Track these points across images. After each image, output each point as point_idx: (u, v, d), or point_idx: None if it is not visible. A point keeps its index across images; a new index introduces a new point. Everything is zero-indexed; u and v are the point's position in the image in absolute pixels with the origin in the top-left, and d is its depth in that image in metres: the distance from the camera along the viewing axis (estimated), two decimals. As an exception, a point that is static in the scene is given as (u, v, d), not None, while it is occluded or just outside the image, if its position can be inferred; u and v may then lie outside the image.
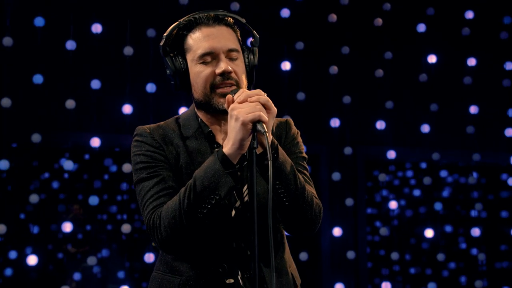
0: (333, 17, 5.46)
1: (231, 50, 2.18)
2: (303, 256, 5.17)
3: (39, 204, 4.85)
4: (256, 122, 1.95)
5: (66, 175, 5.44)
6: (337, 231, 5.24)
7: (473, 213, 5.85)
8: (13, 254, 5.48)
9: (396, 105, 5.57)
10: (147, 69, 5.02)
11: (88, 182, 6.40)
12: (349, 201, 5.37)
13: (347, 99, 5.44)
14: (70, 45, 4.88)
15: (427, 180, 5.54)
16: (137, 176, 2.19)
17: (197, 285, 2.14)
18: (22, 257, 4.83)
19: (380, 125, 5.50)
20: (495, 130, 5.93)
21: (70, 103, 4.80)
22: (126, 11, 5.03)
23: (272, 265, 1.88)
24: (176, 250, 2.14)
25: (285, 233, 2.34)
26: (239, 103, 2.00)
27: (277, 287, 2.20)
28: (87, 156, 5.96)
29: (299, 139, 2.36)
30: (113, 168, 6.11)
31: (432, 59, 5.64)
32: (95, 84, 4.94)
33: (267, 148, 1.90)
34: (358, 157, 5.69)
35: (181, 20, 2.21)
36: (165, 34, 2.21)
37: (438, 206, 5.57)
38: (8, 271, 5.55)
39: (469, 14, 5.82)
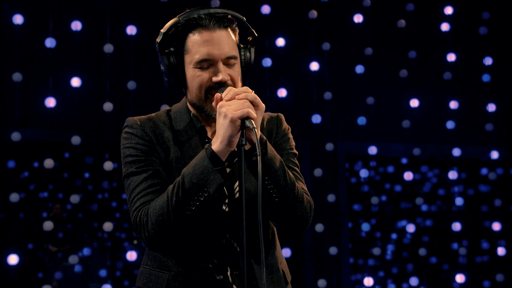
0: (313, 13, 5.46)
1: (229, 58, 2.15)
2: (286, 252, 5.18)
3: (19, 203, 4.81)
4: (245, 118, 1.95)
5: (46, 174, 5.40)
6: (319, 227, 5.25)
7: (454, 207, 5.89)
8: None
9: (377, 101, 5.59)
10: (128, 66, 5.00)
11: (68, 180, 6.38)
12: (331, 197, 5.39)
13: (328, 95, 5.46)
14: (50, 42, 4.83)
15: (408, 176, 5.57)
16: (126, 170, 2.17)
17: (186, 281, 2.12)
18: (3, 256, 4.79)
19: (361, 120, 5.52)
20: (475, 124, 5.97)
21: (49, 101, 4.77)
22: (105, 8, 4.99)
23: (262, 261, 1.88)
24: (163, 248, 2.13)
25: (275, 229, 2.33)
26: (227, 100, 1.99)
27: (268, 283, 2.20)
28: (67, 155, 5.93)
29: (290, 135, 2.35)
30: (94, 166, 6.09)
31: (412, 54, 5.66)
32: (75, 81, 4.91)
33: (256, 144, 1.89)
34: (339, 153, 5.70)
35: (179, 17, 2.16)
36: (162, 31, 2.17)
37: (419, 201, 5.59)
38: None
39: (448, 10, 5.85)
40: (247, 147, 1.99)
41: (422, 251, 5.54)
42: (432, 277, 6.47)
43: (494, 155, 5.79)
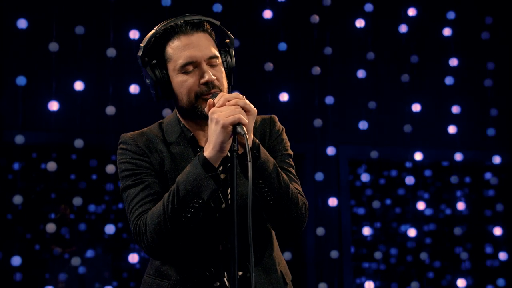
0: (315, 18, 5.48)
1: (211, 57, 2.19)
2: (287, 255, 5.20)
3: (25, 205, 4.85)
4: (236, 124, 1.97)
5: (51, 176, 5.44)
6: (320, 231, 5.27)
7: (457, 212, 5.90)
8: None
9: (379, 105, 5.61)
10: (130, 70, 5.04)
11: (73, 182, 6.42)
12: (332, 201, 5.41)
13: (329, 99, 5.48)
14: (53, 46, 4.88)
15: (409, 180, 5.59)
16: (123, 184, 2.22)
17: None
18: (7, 257, 4.83)
19: (363, 125, 5.54)
20: (477, 129, 5.98)
21: (53, 105, 4.82)
22: (109, 13, 5.03)
23: (252, 266, 1.90)
24: (162, 255, 2.16)
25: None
26: (219, 107, 2.02)
27: (266, 285, 2.23)
28: (72, 157, 5.98)
29: (284, 136, 2.38)
30: (99, 169, 6.13)
31: (414, 59, 5.68)
32: (78, 85, 4.96)
33: (247, 150, 1.91)
34: (341, 157, 5.72)
35: (156, 28, 2.20)
36: (142, 44, 2.20)
37: (421, 205, 5.61)
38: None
39: (451, 15, 5.86)
40: (240, 151, 2.01)
41: (424, 255, 5.55)
42: (434, 281, 6.47)
43: (496, 159, 5.80)
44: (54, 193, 6.17)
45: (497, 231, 5.76)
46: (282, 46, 5.41)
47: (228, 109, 1.99)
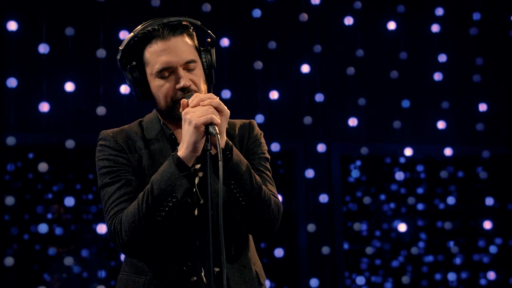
0: (304, 16, 5.51)
1: (188, 62, 2.22)
2: (279, 252, 5.24)
3: (20, 205, 4.87)
4: (209, 124, 2.01)
5: (45, 177, 5.48)
6: (311, 227, 5.30)
7: (449, 206, 5.94)
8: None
9: (368, 102, 5.64)
10: (120, 70, 5.05)
11: (68, 182, 6.44)
12: (323, 197, 5.45)
13: (319, 96, 5.52)
14: (43, 48, 4.90)
15: (399, 176, 5.63)
16: (101, 181, 2.25)
17: (161, 284, 2.19)
18: (1, 258, 4.86)
19: (353, 122, 5.57)
20: (466, 124, 6.01)
21: (43, 106, 4.85)
22: (99, 14, 5.06)
23: (223, 263, 1.93)
24: (138, 254, 2.20)
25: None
26: (192, 107, 2.06)
27: (239, 283, 2.26)
28: (62, 158, 5.99)
29: (262, 140, 2.42)
30: (91, 169, 6.15)
31: (403, 56, 5.71)
32: (69, 86, 4.98)
33: (218, 150, 1.95)
34: (332, 154, 5.75)
35: (135, 31, 2.23)
36: (120, 48, 2.24)
37: (412, 200, 5.64)
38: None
39: (439, 11, 5.89)
40: (213, 151, 2.04)
41: (416, 250, 5.60)
42: (427, 276, 6.51)
43: (486, 154, 5.84)
44: (48, 194, 6.19)
45: (487, 224, 5.80)
46: (272, 44, 5.44)
47: (201, 109, 2.03)
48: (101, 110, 4.90)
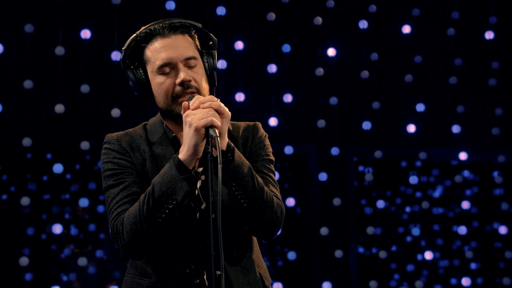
0: (318, 20, 5.52)
1: (188, 58, 2.23)
2: (292, 255, 5.25)
3: (36, 206, 4.91)
4: (209, 127, 2.02)
5: (60, 178, 5.53)
6: (324, 231, 5.30)
7: (464, 211, 5.91)
8: (9, 256, 5.61)
9: (383, 106, 5.64)
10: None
11: (83, 184, 6.49)
12: (336, 201, 5.44)
13: (333, 100, 5.52)
14: (59, 50, 4.94)
15: (413, 179, 5.61)
16: (105, 183, 2.27)
17: (165, 287, 2.20)
18: (18, 258, 4.92)
19: (367, 125, 5.57)
20: (481, 128, 5.98)
21: (59, 108, 4.89)
22: (114, 17, 5.10)
23: (222, 266, 1.93)
24: (140, 255, 2.21)
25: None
26: (193, 109, 2.07)
27: (243, 285, 2.26)
28: (78, 159, 6.05)
29: (267, 142, 2.40)
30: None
31: (418, 59, 5.70)
32: (85, 88, 5.02)
33: (218, 152, 1.96)
34: (346, 157, 5.75)
35: (137, 32, 2.25)
36: (123, 48, 2.26)
37: (427, 204, 5.62)
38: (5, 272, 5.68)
39: (455, 15, 5.87)
40: (215, 154, 2.02)
41: (429, 255, 5.58)
42: (442, 280, 6.48)
43: (501, 158, 5.80)
44: (66, 195, 6.26)
45: (503, 230, 5.76)
46: (286, 47, 5.45)
47: (202, 111, 2.04)
48: (115, 112, 4.93)
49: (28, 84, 4.90)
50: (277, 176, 2.44)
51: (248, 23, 5.52)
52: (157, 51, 2.22)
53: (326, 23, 5.60)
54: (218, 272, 2.07)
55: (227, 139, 2.11)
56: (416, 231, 5.63)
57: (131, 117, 4.99)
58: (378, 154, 5.50)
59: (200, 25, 2.32)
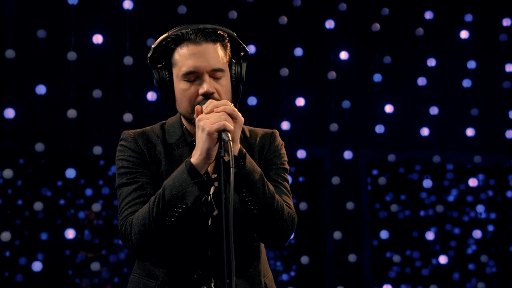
0: (330, 23, 5.51)
1: (215, 70, 2.19)
2: (305, 259, 5.22)
3: (49, 211, 4.91)
4: (222, 131, 2.00)
5: (74, 183, 5.54)
6: (337, 235, 5.28)
7: (479, 215, 5.87)
8: (23, 260, 5.62)
9: (396, 109, 5.61)
10: (147, 78, 5.10)
11: (96, 188, 6.51)
12: (350, 205, 5.42)
13: (346, 103, 5.50)
14: (72, 55, 4.95)
15: (427, 183, 5.58)
16: (118, 180, 2.25)
17: None
18: (31, 263, 4.93)
19: (380, 128, 5.54)
20: (496, 131, 5.94)
21: (71, 113, 4.90)
22: (126, 22, 5.11)
23: (232, 271, 1.92)
24: (147, 257, 2.20)
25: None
26: (207, 113, 2.05)
27: None
28: (89, 163, 6.07)
29: (283, 151, 2.39)
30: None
31: (431, 62, 5.67)
32: (97, 93, 5.03)
33: (230, 157, 1.94)
34: (359, 161, 5.73)
35: (169, 33, 2.22)
36: (153, 46, 2.23)
37: (441, 208, 5.58)
38: (19, 277, 5.70)
39: (468, 17, 5.84)
40: (227, 158, 2.01)
41: (444, 259, 5.53)
42: (457, 285, 6.43)
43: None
44: (80, 200, 6.28)
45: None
46: (298, 51, 5.44)
47: (215, 115, 2.02)
48: (127, 117, 4.94)
49: (40, 89, 4.93)
50: (289, 180, 2.42)
51: (260, 27, 5.51)
52: (186, 57, 2.19)
53: (339, 26, 5.58)
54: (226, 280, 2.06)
55: (239, 145, 2.09)
56: (430, 235, 5.58)
57: (144, 122, 5.01)
58: (391, 157, 5.47)
59: (234, 34, 2.29)
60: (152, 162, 2.26)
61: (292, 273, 6.30)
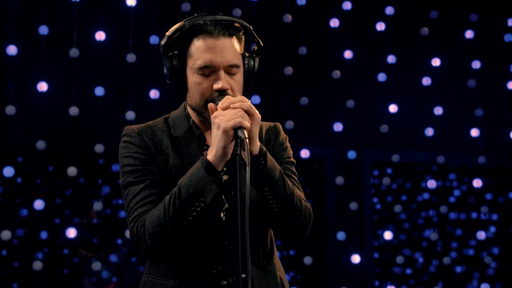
0: (335, 22, 5.48)
1: (231, 66, 2.15)
2: (308, 260, 5.18)
3: (50, 209, 4.87)
4: (237, 128, 1.95)
5: (75, 181, 5.50)
6: (341, 235, 5.25)
7: (482, 216, 5.83)
8: (22, 260, 5.59)
9: (400, 108, 5.58)
10: (150, 75, 5.07)
11: (97, 187, 6.47)
12: (353, 205, 5.38)
13: (350, 103, 5.46)
14: (74, 52, 4.91)
15: (431, 184, 5.54)
16: (124, 179, 2.18)
17: None
18: (31, 262, 4.89)
19: (384, 128, 5.50)
20: (500, 132, 5.91)
21: (73, 110, 4.85)
22: (129, 19, 5.07)
23: (249, 270, 1.89)
24: (161, 258, 2.15)
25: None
26: (223, 109, 2.00)
27: None
28: (91, 162, 6.03)
29: (288, 144, 2.36)
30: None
31: (436, 62, 5.64)
32: (99, 91, 4.99)
33: (246, 154, 1.90)
34: (363, 161, 5.70)
35: (185, 21, 2.16)
36: (167, 34, 2.17)
37: (444, 209, 5.55)
38: (19, 277, 5.66)
39: (473, 17, 5.80)
40: (243, 155, 1.98)
41: (447, 260, 5.50)
42: (458, 286, 6.40)
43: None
44: (79, 199, 6.24)
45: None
46: (302, 50, 5.40)
47: (231, 112, 1.98)
48: (130, 115, 4.90)
49: (42, 86, 4.88)
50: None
51: (264, 25, 5.46)
52: (202, 50, 2.13)
53: (343, 25, 5.55)
54: (243, 275, 2.01)
55: (259, 143, 2.05)
56: (433, 235, 5.54)
57: (146, 120, 4.97)
58: (395, 158, 5.44)
59: (251, 28, 2.25)
60: (159, 157, 2.19)
61: (294, 274, 6.26)
